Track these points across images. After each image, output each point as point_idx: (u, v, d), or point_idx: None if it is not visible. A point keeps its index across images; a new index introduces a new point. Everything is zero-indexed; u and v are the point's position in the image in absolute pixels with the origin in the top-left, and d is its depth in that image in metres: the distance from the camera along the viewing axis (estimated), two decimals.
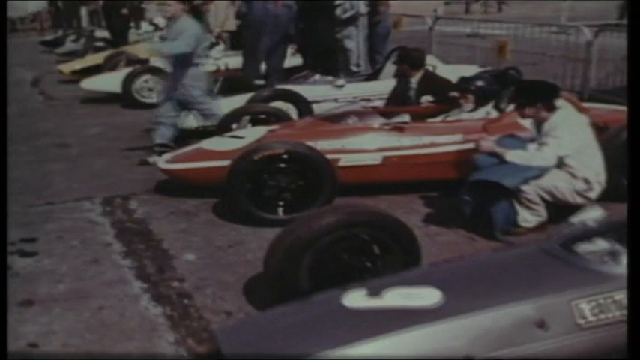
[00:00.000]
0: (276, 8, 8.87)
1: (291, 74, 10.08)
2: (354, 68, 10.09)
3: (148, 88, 9.95)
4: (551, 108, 4.63)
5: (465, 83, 5.83)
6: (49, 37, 20.89)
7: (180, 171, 5.46)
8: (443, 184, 5.52)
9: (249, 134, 5.62)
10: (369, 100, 8.17)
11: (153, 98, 9.93)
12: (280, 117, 6.37)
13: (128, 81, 9.74)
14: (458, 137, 5.48)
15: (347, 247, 3.43)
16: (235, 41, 12.44)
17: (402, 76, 6.49)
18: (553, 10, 24.87)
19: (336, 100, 8.16)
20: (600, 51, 8.55)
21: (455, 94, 6.16)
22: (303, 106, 7.55)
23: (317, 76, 8.58)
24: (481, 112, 5.81)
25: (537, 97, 4.66)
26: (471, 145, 5.30)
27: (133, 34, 15.87)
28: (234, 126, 6.29)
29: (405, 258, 3.49)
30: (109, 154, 7.34)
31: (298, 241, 3.31)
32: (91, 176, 6.51)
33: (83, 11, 25.96)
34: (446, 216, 5.04)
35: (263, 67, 9.25)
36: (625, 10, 15.80)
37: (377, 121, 5.65)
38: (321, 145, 5.28)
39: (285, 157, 4.85)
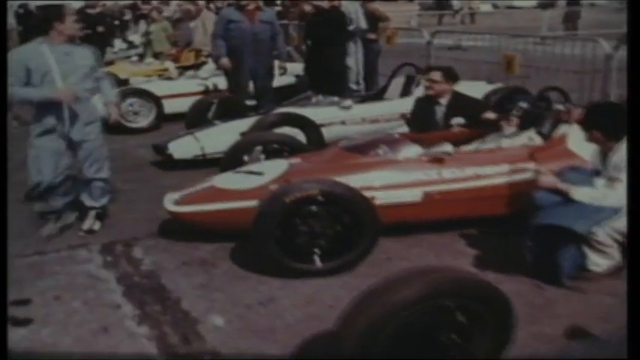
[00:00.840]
0: (254, 25, 8.26)
1: (281, 94, 9.55)
2: (353, 86, 9.51)
3: (133, 112, 9.21)
4: (621, 136, 4.07)
5: (507, 104, 5.25)
6: None
7: (192, 214, 4.77)
8: (485, 219, 4.94)
9: (269, 169, 4.96)
10: (377, 121, 7.60)
11: (139, 122, 9.24)
12: (296, 146, 5.72)
13: None
14: (504, 168, 4.91)
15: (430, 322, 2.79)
16: None
17: (430, 97, 5.86)
18: (529, 20, 24.66)
19: (343, 122, 7.57)
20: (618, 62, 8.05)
21: (490, 115, 5.61)
22: (313, 131, 6.93)
23: (319, 97, 7.92)
24: (523, 138, 5.24)
25: (609, 122, 4.10)
26: (519, 177, 4.74)
27: (107, 53, 15.10)
28: (245, 157, 5.61)
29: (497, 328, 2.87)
30: None
31: (373, 324, 2.66)
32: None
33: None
34: (501, 259, 4.45)
35: (252, 87, 8.63)
36: None
37: (411, 151, 5.02)
38: (352, 180, 4.66)
39: (320, 198, 4.19)
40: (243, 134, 6.89)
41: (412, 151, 5.00)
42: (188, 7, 19.60)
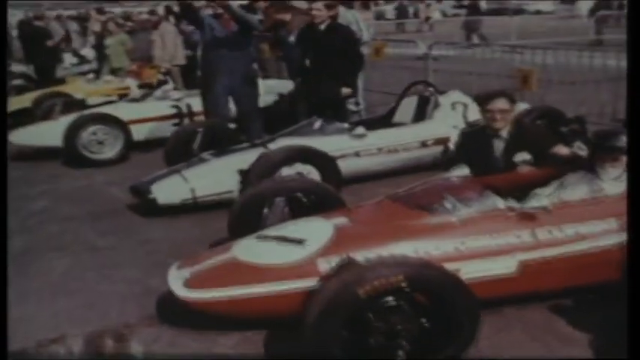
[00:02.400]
0: (226, 30, 7.05)
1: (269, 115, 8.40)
2: (352, 107, 8.33)
3: (97, 141, 7.84)
4: None
5: (605, 140, 4.14)
6: None
7: (211, 303, 3.51)
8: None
9: (309, 234, 3.74)
10: (395, 151, 6.46)
11: (105, 153, 7.88)
12: (326, 196, 4.51)
13: (71, 134, 7.62)
14: (611, 224, 3.78)
15: None
16: (189, 77, 10.51)
17: (488, 129, 4.72)
18: (499, 27, 23.90)
19: (357, 154, 6.40)
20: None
21: (563, 150, 4.51)
22: (329, 167, 5.75)
23: (323, 124, 6.70)
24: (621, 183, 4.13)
25: None
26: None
27: (57, 69, 13.61)
28: (265, 210, 4.38)
29: None
30: (70, 247, 5.28)
31: None
32: (52, 291, 4.47)
33: None
34: None
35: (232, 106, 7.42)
36: None
37: (491, 204, 3.85)
38: (422, 248, 3.51)
39: (405, 287, 3.00)
40: (243, 172, 5.66)
41: (493, 203, 3.83)
42: (144, 17, 18.27)
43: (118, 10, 18.78)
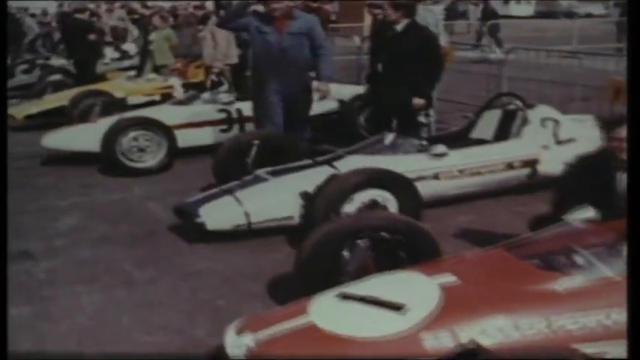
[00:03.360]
0: (282, 38, 6.21)
1: (322, 122, 7.57)
2: (422, 119, 7.36)
3: (138, 148, 7.04)
4: None
5: None
6: None
7: None
8: None
9: (409, 297, 2.86)
10: (478, 173, 5.55)
11: (145, 162, 7.06)
12: (417, 237, 3.62)
13: (110, 140, 6.83)
14: None
15: None
16: (239, 78, 9.67)
17: (611, 157, 3.78)
18: (531, 30, 22.71)
19: (436, 176, 5.48)
20: None
21: None
22: (408, 194, 4.86)
23: (391, 138, 5.81)
24: None
25: None
26: None
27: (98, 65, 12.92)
28: (344, 252, 3.50)
29: None
30: (102, 279, 4.47)
31: None
32: (78, 339, 3.64)
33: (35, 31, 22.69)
34: None
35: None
36: None
37: None
38: (556, 321, 2.60)
39: None
40: (306, 196, 4.81)
41: None
42: (190, 12, 17.55)
43: (163, 3, 18.04)
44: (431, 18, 7.08)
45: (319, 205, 4.54)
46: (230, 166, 5.73)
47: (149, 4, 15.62)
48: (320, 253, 3.52)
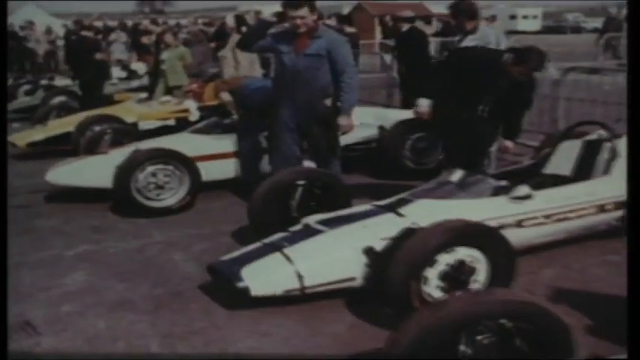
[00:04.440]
0: (297, 59, 5.46)
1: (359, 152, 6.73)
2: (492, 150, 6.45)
3: (156, 184, 6.09)
4: None
5: None
6: None
7: None
8: None
9: None
10: (566, 219, 4.61)
11: (165, 200, 6.12)
12: (545, 323, 2.67)
13: (125, 176, 5.90)
14: None
15: None
16: None
17: None
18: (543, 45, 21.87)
19: (519, 224, 4.54)
20: None
21: None
22: (501, 251, 3.90)
23: (459, 175, 4.89)
24: None
25: None
26: None
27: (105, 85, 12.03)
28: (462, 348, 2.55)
29: None
30: None
31: None
32: None
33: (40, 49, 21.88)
34: None
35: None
36: None
37: None
38: None
39: None
40: (371, 253, 3.87)
41: None
42: (199, 28, 16.70)
43: (173, 21, 17.25)
44: (493, 35, 6.15)
45: (396, 269, 3.60)
46: (270, 211, 4.82)
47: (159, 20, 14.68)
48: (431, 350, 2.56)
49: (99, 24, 21.34)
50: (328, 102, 5.57)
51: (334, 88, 5.54)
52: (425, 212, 4.33)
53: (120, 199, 6.04)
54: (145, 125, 8.85)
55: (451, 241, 3.69)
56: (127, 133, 7.63)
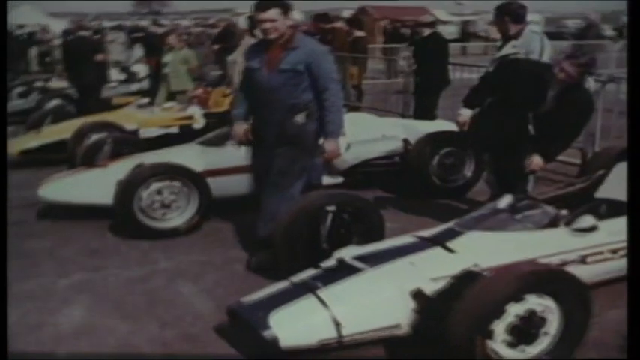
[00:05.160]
0: (270, 76, 4.58)
1: (381, 167, 6.20)
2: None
3: (161, 203, 5.47)
4: None
5: None
6: None
7: None
8: None
9: None
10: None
11: (171, 220, 5.50)
12: None
13: (127, 194, 5.29)
14: None
15: None
16: None
17: None
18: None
19: (583, 259, 3.97)
20: None
21: None
22: (577, 299, 3.30)
23: (508, 201, 4.31)
24: None
25: None
26: None
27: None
28: None
29: None
30: None
31: None
32: None
33: (32, 52, 21.25)
34: None
35: None
36: None
37: None
38: None
39: None
40: (421, 297, 3.28)
41: None
42: (201, 30, 16.10)
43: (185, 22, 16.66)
44: (538, 41, 5.53)
45: (458, 321, 3.01)
46: (295, 240, 4.20)
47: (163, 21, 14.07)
48: None
49: (95, 24, 20.76)
50: (300, 118, 4.61)
51: (317, 108, 4.61)
52: (478, 247, 3.76)
53: (121, 218, 5.43)
54: (146, 133, 8.28)
55: (524, 288, 3.09)
56: (128, 142, 6.99)
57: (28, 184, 6.62)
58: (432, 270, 3.54)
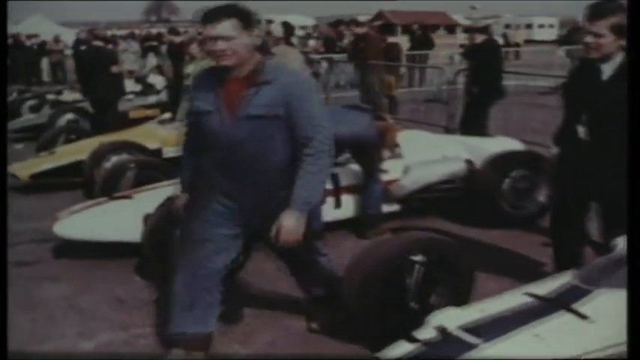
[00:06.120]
0: (232, 124, 3.12)
1: (441, 192, 5.45)
2: None
3: None
4: None
5: None
6: None
7: None
8: None
9: None
10: None
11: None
12: None
13: (158, 230, 4.48)
14: None
15: None
16: None
17: None
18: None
19: None
20: None
21: None
22: None
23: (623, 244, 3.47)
24: None
25: None
26: None
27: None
28: None
29: None
30: None
31: None
32: None
33: (44, 63, 20.57)
34: None
35: None
36: None
37: None
38: None
39: None
40: None
41: None
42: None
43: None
44: None
45: None
46: (371, 298, 3.38)
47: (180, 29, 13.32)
48: None
49: (107, 33, 20.09)
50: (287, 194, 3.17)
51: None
52: (614, 311, 2.91)
53: (151, 259, 4.63)
54: (169, 152, 7.48)
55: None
56: (153, 165, 6.21)
57: (41, 213, 5.91)
58: (567, 346, 2.74)
